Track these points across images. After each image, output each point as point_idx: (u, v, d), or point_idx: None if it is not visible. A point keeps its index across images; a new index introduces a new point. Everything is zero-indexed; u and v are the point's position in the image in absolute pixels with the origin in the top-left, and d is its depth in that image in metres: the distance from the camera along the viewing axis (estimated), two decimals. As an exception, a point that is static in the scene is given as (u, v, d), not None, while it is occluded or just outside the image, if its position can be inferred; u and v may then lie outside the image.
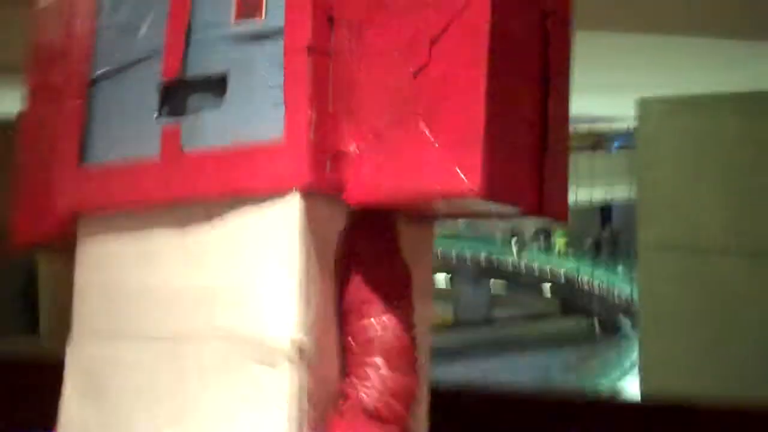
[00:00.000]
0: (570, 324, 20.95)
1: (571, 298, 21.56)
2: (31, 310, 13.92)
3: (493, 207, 1.31)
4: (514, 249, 22.73)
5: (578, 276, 21.19)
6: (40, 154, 1.65)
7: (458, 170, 1.20)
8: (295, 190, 1.28)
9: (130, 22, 1.50)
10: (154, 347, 1.41)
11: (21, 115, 1.72)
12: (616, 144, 21.01)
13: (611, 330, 19.49)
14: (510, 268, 22.96)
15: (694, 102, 7.91)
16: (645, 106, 8.17)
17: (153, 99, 1.45)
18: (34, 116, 1.69)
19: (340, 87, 1.31)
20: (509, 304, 23.12)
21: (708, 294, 7.46)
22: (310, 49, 1.30)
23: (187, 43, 1.41)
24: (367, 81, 1.30)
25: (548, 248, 23.16)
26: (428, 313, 1.43)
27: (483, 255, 23.01)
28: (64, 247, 1.63)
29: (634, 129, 8.61)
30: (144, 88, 1.46)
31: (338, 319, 1.34)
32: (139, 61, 1.47)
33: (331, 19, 1.32)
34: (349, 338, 1.32)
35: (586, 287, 20.93)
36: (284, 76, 1.30)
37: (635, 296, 16.79)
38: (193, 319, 1.37)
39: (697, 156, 7.83)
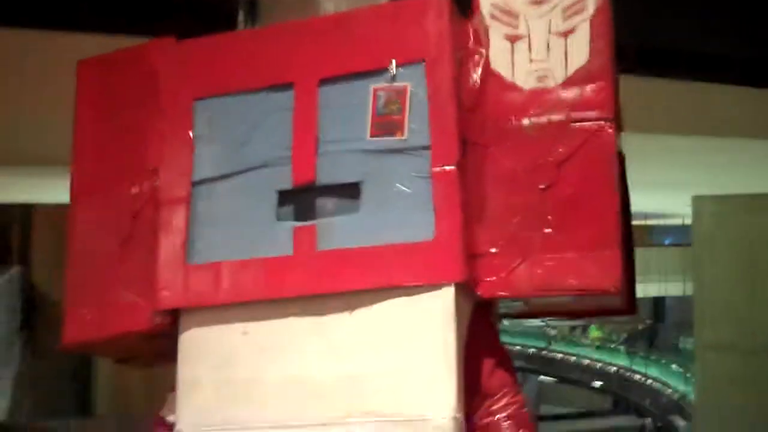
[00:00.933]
0: (622, 422, 20.38)
1: (623, 395, 21.02)
2: (83, 392, 14.03)
3: (608, 301, 1.59)
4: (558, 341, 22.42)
5: (631, 372, 20.72)
6: (101, 255, 1.71)
7: (599, 269, 1.44)
8: (450, 283, 1.48)
9: (235, 134, 1.64)
10: None
11: (70, 218, 1.76)
12: (666, 240, 20.89)
13: (666, 429, 18.89)
14: (559, 362, 22.54)
15: (748, 201, 7.90)
16: (700, 203, 8.18)
17: (271, 204, 1.59)
18: (88, 219, 1.75)
19: (471, 199, 1.52)
20: (558, 399, 22.60)
21: (764, 395, 7.30)
22: (458, 164, 1.51)
23: (317, 154, 1.58)
24: (494, 195, 1.53)
25: (579, 341, 22.82)
26: None
27: (531, 349, 22.65)
28: (127, 346, 1.73)
29: (691, 226, 8.58)
30: (259, 193, 1.60)
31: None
32: (251, 169, 1.62)
33: (464, 141, 1.54)
34: (484, 420, 1.52)
35: (638, 384, 20.43)
36: (433, 186, 1.50)
37: (690, 395, 16.37)
38: (341, 406, 1.48)
39: (752, 255, 7.77)
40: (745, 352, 7.59)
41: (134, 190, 1.71)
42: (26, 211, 15.66)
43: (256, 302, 1.58)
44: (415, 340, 1.48)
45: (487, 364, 1.54)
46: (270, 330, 1.56)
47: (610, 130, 1.50)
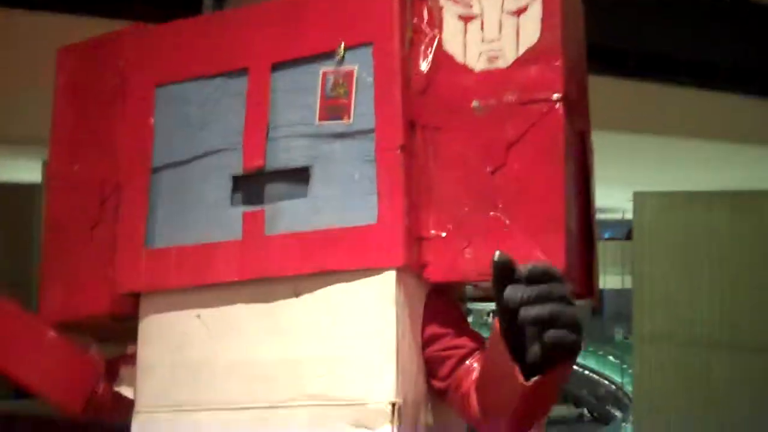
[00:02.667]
0: (560, 412, 20.72)
1: (561, 386, 21.33)
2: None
3: None
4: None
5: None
6: (71, 239, 1.73)
7: (541, 252, 1.39)
8: (391, 268, 1.46)
9: (192, 120, 1.64)
10: (241, 417, 1.51)
11: (46, 202, 1.79)
12: (606, 234, 21.22)
13: (602, 419, 19.23)
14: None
15: (689, 197, 8.06)
16: (641, 199, 8.32)
17: (225, 189, 1.59)
18: (61, 203, 1.77)
19: (419, 181, 1.50)
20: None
21: (703, 387, 7.48)
22: (402, 148, 1.48)
23: (267, 139, 1.57)
24: (444, 178, 1.50)
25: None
26: None
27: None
28: (97, 326, 1.74)
29: (632, 221, 8.72)
30: (214, 178, 1.60)
31: (424, 375, 1.51)
32: (207, 154, 1.62)
33: (412, 124, 1.52)
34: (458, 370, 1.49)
35: (576, 374, 20.76)
36: (377, 170, 1.48)
37: (626, 386, 16.67)
38: (285, 389, 1.48)
39: (691, 250, 7.93)
40: (682, 343, 7.75)
41: (102, 175, 1.71)
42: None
43: (209, 287, 1.58)
44: (356, 324, 1.47)
45: (447, 344, 1.52)
46: (221, 314, 1.57)
47: (560, 110, 1.46)
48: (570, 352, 1.17)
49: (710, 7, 6.32)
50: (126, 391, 1.69)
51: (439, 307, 1.55)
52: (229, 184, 1.60)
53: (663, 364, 7.82)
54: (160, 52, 1.72)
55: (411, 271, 1.49)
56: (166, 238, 1.64)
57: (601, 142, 1.71)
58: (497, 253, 1.18)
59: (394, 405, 1.42)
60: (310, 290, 1.51)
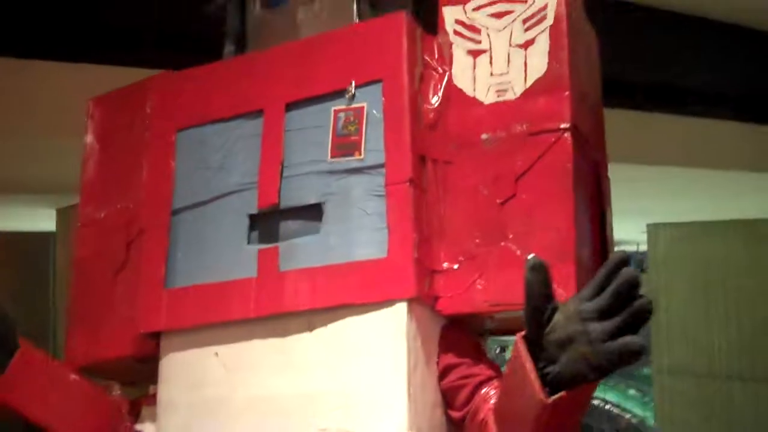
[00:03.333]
0: (581, 448, 20.47)
1: (582, 420, 21.12)
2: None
3: None
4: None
5: (589, 398, 20.85)
6: (97, 283, 1.76)
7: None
8: (401, 300, 1.46)
9: (211, 162, 1.68)
10: None
11: (75, 247, 1.83)
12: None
13: (624, 455, 18.98)
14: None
15: (703, 227, 8.03)
16: (655, 230, 8.29)
17: (242, 228, 1.61)
18: (88, 248, 1.81)
19: (430, 214, 1.51)
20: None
21: (723, 419, 7.39)
22: (411, 181, 1.49)
23: (281, 177, 1.59)
24: (455, 210, 1.51)
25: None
26: None
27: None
28: (122, 369, 1.76)
29: (646, 252, 8.68)
30: (231, 218, 1.63)
31: (442, 407, 1.51)
32: (225, 195, 1.65)
33: (422, 158, 1.53)
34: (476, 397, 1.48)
35: (597, 409, 20.55)
36: (387, 204, 1.49)
37: (648, 419, 16.46)
38: (299, 423, 1.48)
39: (708, 280, 7.89)
40: (701, 375, 7.69)
41: (128, 220, 1.75)
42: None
43: (226, 324, 1.59)
44: (367, 357, 1.47)
45: (462, 373, 1.52)
46: (238, 351, 1.58)
47: (568, 140, 1.46)
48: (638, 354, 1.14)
49: (720, 36, 6.35)
50: (148, 429, 1.71)
51: (454, 338, 1.55)
52: (246, 223, 1.62)
53: (683, 397, 7.75)
54: (181, 98, 1.75)
55: (423, 303, 1.49)
56: (185, 278, 1.66)
57: (612, 175, 1.71)
58: (531, 256, 1.20)
59: None
60: (323, 324, 1.51)
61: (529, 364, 1.21)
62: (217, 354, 1.60)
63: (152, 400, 1.70)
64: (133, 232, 1.75)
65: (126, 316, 1.70)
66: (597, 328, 1.14)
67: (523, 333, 1.23)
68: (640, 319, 1.13)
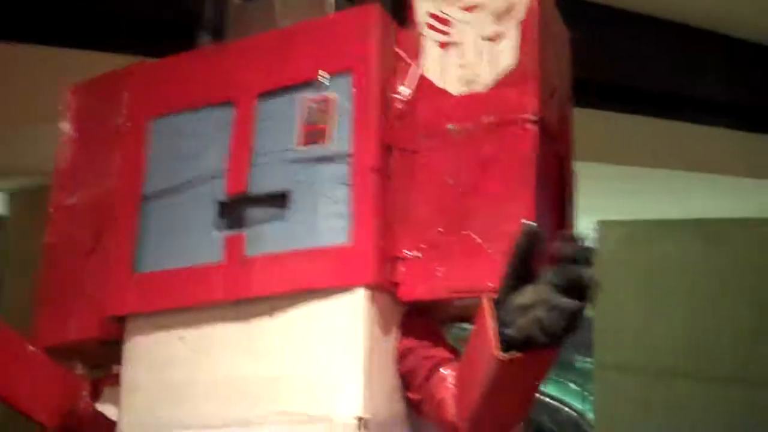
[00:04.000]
0: (520, 439, 20.76)
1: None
2: None
3: None
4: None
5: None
6: (67, 266, 1.79)
7: None
8: (361, 286, 1.48)
9: (182, 150, 1.70)
10: None
11: (46, 234, 1.86)
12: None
13: (562, 447, 19.29)
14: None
15: (653, 226, 8.15)
16: (605, 228, 8.39)
17: (210, 214, 1.64)
18: (60, 232, 1.84)
19: (394, 203, 1.53)
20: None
21: (665, 417, 7.51)
22: (376, 169, 1.51)
23: (251, 165, 1.61)
24: (417, 198, 1.53)
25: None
26: None
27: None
28: (86, 351, 1.78)
29: (596, 250, 8.77)
30: (201, 205, 1.65)
31: (401, 391, 1.54)
32: (195, 182, 1.67)
33: (389, 147, 1.55)
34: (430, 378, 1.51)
35: (537, 401, 20.85)
36: (352, 191, 1.51)
37: (588, 414, 16.72)
38: (258, 406, 1.51)
39: (656, 279, 8.00)
40: (642, 373, 7.81)
41: (98, 205, 1.78)
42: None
43: (192, 309, 1.61)
44: (327, 341, 1.50)
45: (420, 354, 1.55)
46: (204, 334, 1.60)
47: (533, 131, 1.48)
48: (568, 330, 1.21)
49: (678, 36, 6.42)
50: (108, 410, 1.72)
51: (414, 323, 1.57)
52: (215, 210, 1.64)
53: (624, 393, 7.86)
54: (156, 86, 1.78)
55: (384, 289, 1.52)
56: (153, 263, 1.68)
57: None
58: (528, 222, 1.26)
59: (360, 420, 1.44)
60: (286, 309, 1.54)
61: (489, 322, 1.25)
62: (182, 338, 1.62)
63: (114, 380, 1.71)
64: (103, 218, 1.77)
65: (93, 299, 1.72)
66: (561, 299, 1.19)
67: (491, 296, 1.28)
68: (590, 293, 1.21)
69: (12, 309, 9.03)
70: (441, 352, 1.54)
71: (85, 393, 1.77)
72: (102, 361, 1.80)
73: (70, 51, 5.30)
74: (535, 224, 1.26)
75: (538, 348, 1.22)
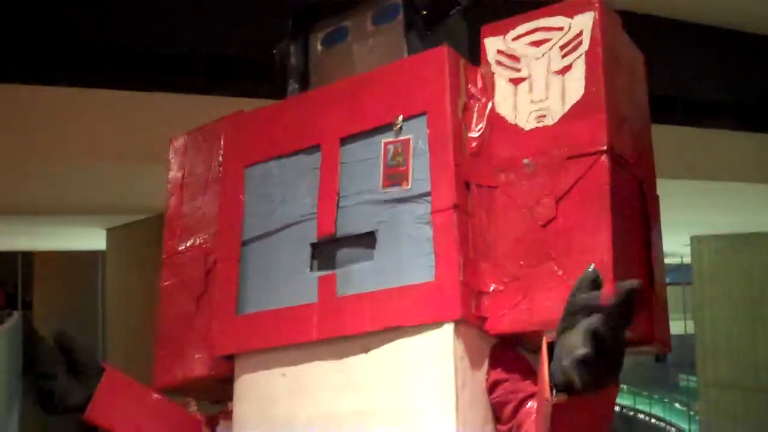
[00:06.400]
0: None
1: (628, 435, 20.89)
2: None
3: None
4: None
5: (635, 411, 20.61)
6: (181, 309, 1.91)
7: None
8: (448, 321, 1.53)
9: (276, 195, 1.80)
10: None
11: (161, 279, 1.99)
12: (666, 279, 20.78)
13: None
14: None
15: (745, 240, 7.94)
16: (699, 243, 8.22)
17: (304, 256, 1.73)
18: (173, 277, 1.97)
19: (476, 238, 1.58)
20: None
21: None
22: (455, 207, 1.57)
23: (337, 208, 1.70)
24: (498, 233, 1.58)
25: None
26: None
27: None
28: (203, 389, 1.90)
29: (691, 265, 8.59)
30: (294, 247, 1.75)
31: (492, 423, 1.58)
32: (289, 225, 1.77)
33: (467, 184, 1.60)
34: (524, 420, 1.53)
35: (643, 423, 20.29)
36: (433, 230, 1.57)
37: (694, 434, 16.21)
38: None
39: (751, 292, 7.80)
40: (747, 389, 7.60)
41: (207, 250, 1.91)
42: (27, 258, 15.76)
43: (292, 347, 1.70)
44: (419, 377, 1.54)
45: (508, 388, 1.58)
46: (302, 372, 1.69)
47: (605, 163, 1.50)
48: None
49: (762, 51, 6.31)
50: None
51: (503, 356, 1.60)
52: (308, 252, 1.73)
53: (729, 410, 7.66)
54: (249, 135, 1.89)
55: (470, 324, 1.55)
56: (254, 304, 1.77)
57: (658, 190, 1.72)
58: (591, 265, 1.30)
59: None
60: (378, 346, 1.60)
61: (544, 364, 1.30)
62: (284, 375, 1.70)
63: (228, 415, 1.82)
64: (210, 262, 1.88)
65: (205, 339, 1.84)
66: (583, 351, 1.24)
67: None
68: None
69: (111, 338, 9.32)
70: (529, 386, 1.56)
71: (203, 429, 1.89)
72: (218, 397, 1.90)
73: (146, 94, 5.57)
74: (596, 271, 1.30)
75: (577, 393, 1.25)
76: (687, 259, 10.26)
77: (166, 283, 1.97)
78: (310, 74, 1.91)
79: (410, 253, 1.60)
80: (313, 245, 1.73)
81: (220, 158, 1.93)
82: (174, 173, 2.03)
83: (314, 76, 1.90)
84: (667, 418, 19.62)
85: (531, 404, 1.53)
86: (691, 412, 16.91)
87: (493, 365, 1.59)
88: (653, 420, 19.94)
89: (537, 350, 1.69)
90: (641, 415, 20.46)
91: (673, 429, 19.14)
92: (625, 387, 21.78)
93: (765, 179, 6.39)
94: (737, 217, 7.71)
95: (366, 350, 1.61)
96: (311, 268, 1.73)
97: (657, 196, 1.72)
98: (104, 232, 9.43)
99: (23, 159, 5.84)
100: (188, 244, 1.95)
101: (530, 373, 1.60)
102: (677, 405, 19.64)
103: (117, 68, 5.74)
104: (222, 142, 1.93)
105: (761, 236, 7.77)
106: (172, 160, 2.03)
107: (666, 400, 20.26)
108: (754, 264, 7.75)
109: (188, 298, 1.90)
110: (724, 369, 7.87)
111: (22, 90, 5.52)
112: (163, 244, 2.00)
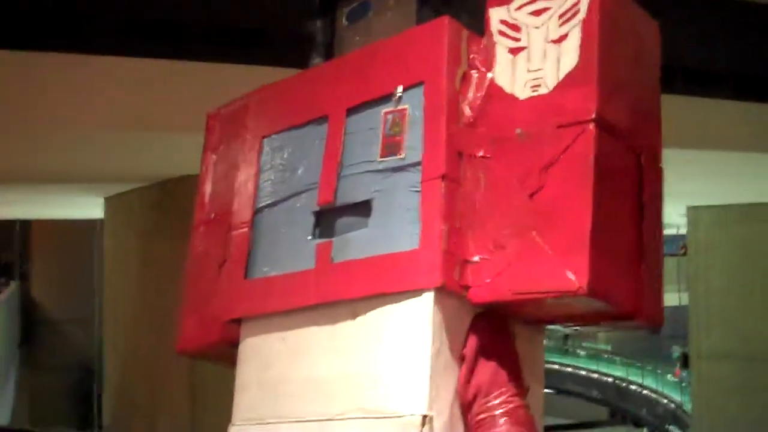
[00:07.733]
0: (620, 432, 20.42)
1: (620, 405, 21.07)
2: (84, 405, 14.05)
3: (596, 306, 1.54)
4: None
5: (627, 382, 20.77)
6: (205, 276, 1.97)
7: (568, 272, 1.45)
8: (429, 289, 1.55)
9: (288, 164, 1.86)
10: (309, 428, 1.67)
11: (190, 245, 2.06)
12: (661, 250, 20.79)
13: (663, 438, 18.91)
14: (555, 373, 22.55)
15: (743, 210, 7.95)
16: (696, 213, 8.23)
17: (308, 224, 1.78)
18: (200, 245, 2.04)
19: (466, 207, 1.59)
20: (555, 411, 22.60)
21: (762, 403, 7.36)
22: (444, 177, 1.58)
23: (339, 177, 1.74)
24: (488, 202, 1.59)
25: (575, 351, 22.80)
26: (540, 395, 1.71)
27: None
28: (220, 353, 1.95)
29: (687, 235, 8.61)
30: (300, 215, 1.80)
31: (460, 398, 1.58)
32: (297, 194, 1.82)
33: (460, 154, 1.61)
34: (480, 416, 1.56)
35: (635, 394, 20.47)
36: (420, 198, 1.59)
37: (686, 404, 16.37)
38: (340, 403, 1.63)
39: (747, 263, 7.83)
40: (740, 360, 7.65)
41: (229, 220, 1.96)
42: (24, 226, 15.76)
43: (291, 312, 1.76)
44: (398, 343, 1.58)
45: (487, 365, 1.58)
46: (298, 336, 1.75)
47: (592, 132, 1.49)
48: None
49: (762, 20, 6.29)
50: None
51: (486, 329, 1.61)
52: (311, 220, 1.78)
53: (721, 381, 7.72)
54: (267, 107, 1.96)
55: (452, 292, 1.56)
56: (261, 270, 1.84)
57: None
58: None
59: (425, 417, 1.51)
60: (364, 312, 1.64)
61: None
62: (283, 339, 1.76)
63: None
64: (229, 231, 1.94)
65: (220, 305, 1.90)
66: None
67: None
68: None
69: (109, 306, 9.37)
70: (509, 400, 1.56)
71: None
72: (234, 362, 1.92)
73: (149, 60, 5.55)
74: None
75: None
76: (682, 230, 10.30)
77: (192, 253, 2.04)
78: (335, 50, 1.94)
79: (399, 221, 1.63)
80: (316, 213, 1.78)
81: (244, 130, 1.98)
82: (208, 147, 2.09)
83: (337, 51, 1.93)
84: (660, 389, 19.77)
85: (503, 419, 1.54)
86: (683, 384, 17.04)
87: (479, 368, 1.58)
88: (645, 391, 20.08)
89: (530, 322, 1.72)
90: (633, 387, 20.62)
91: (665, 400, 19.29)
92: (617, 358, 21.95)
93: (763, 149, 6.39)
94: (736, 187, 7.71)
95: (354, 316, 1.65)
96: (313, 236, 1.77)
97: (660, 168, 1.69)
98: (102, 201, 9.43)
99: (22, 127, 5.84)
100: (215, 215, 2.01)
101: (514, 376, 1.59)
102: (669, 376, 19.79)
103: (118, 36, 5.71)
104: (248, 115, 1.99)
105: (759, 207, 7.78)
106: (208, 135, 2.10)
107: (659, 371, 20.40)
108: (751, 235, 7.77)
109: (212, 264, 1.96)
110: (717, 340, 7.93)
111: (20, 57, 5.49)
112: (194, 213, 2.07)
